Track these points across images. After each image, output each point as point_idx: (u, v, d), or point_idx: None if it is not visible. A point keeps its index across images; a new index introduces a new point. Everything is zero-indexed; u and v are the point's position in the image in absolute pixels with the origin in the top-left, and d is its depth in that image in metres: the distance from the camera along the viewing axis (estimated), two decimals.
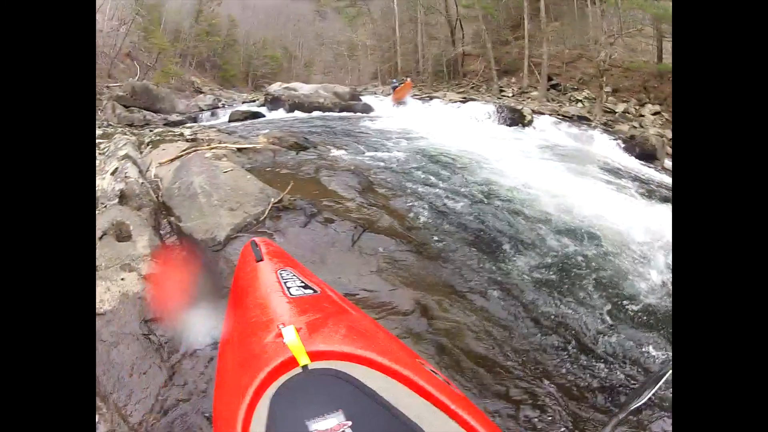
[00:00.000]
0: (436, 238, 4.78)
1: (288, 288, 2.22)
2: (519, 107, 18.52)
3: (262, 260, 2.50)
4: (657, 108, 23.19)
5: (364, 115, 19.23)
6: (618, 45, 27.83)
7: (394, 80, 24.17)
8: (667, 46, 25.69)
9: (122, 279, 3.46)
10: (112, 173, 5.34)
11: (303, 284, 2.30)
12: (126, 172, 5.45)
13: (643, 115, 22.89)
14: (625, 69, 26.82)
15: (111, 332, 3.00)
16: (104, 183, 5.03)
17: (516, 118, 17.13)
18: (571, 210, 6.17)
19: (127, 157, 5.99)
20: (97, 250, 3.75)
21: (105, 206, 4.57)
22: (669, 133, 19.31)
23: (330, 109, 20.35)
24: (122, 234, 4.09)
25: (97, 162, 6.12)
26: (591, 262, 4.81)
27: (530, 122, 17.12)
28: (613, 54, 26.67)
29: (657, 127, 20.53)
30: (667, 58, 25.22)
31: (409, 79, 20.41)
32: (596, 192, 7.87)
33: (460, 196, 6.27)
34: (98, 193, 4.78)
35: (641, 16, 27.89)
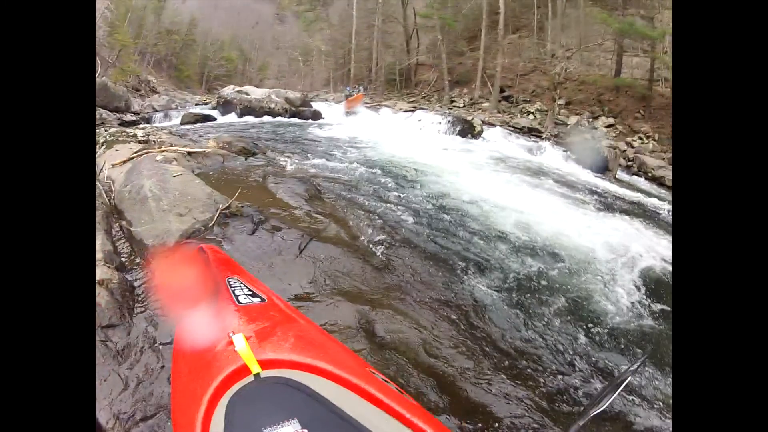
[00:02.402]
0: (383, 249, 4.82)
1: (236, 296, 2.26)
2: (469, 118, 18.60)
3: (209, 267, 2.57)
4: (611, 121, 23.64)
5: (314, 122, 19.33)
6: (575, 59, 28.26)
7: (348, 88, 24.10)
8: (627, 60, 26.24)
9: None
10: None
11: (251, 292, 2.34)
12: None
13: (595, 128, 23.28)
14: (580, 82, 27.18)
15: None
16: None
17: (466, 129, 17.20)
18: (529, 226, 6.29)
19: None
20: None
21: None
22: (622, 146, 19.81)
23: (280, 115, 20.44)
24: None
25: None
26: (554, 282, 4.88)
27: (480, 133, 17.24)
28: (569, 67, 27.09)
29: (610, 140, 20.97)
30: (626, 73, 25.73)
31: (361, 90, 20.33)
32: (553, 206, 7.98)
33: (409, 208, 6.37)
34: None
35: (603, 30, 28.41)
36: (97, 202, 4.97)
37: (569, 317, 4.29)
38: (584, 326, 4.16)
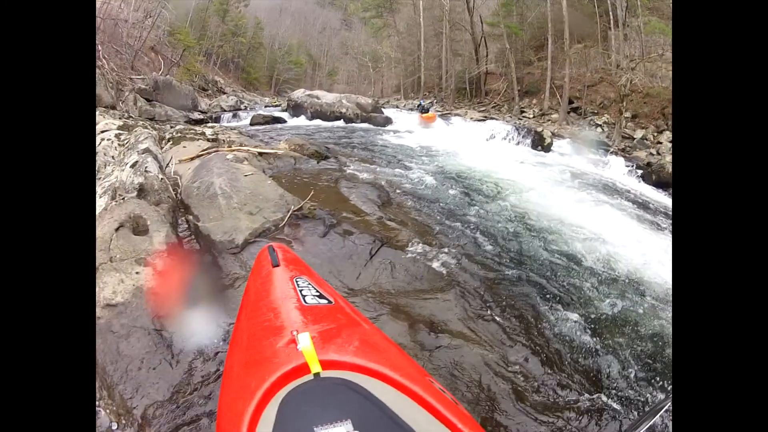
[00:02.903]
0: (454, 263, 4.66)
1: (303, 296, 2.21)
2: (539, 129, 18.40)
3: (278, 266, 2.51)
4: None
5: (386, 128, 19.31)
6: (639, 70, 27.81)
7: (421, 101, 23.98)
8: None
9: (137, 273, 3.45)
10: (132, 166, 5.31)
11: (318, 293, 2.29)
12: (146, 166, 5.43)
13: (660, 142, 22.85)
14: (645, 95, 26.78)
15: (122, 324, 3.00)
16: (123, 175, 5.00)
17: (536, 141, 17.10)
18: (609, 253, 5.96)
19: (147, 151, 5.97)
20: (112, 242, 3.75)
21: (123, 198, 4.55)
22: None
23: (352, 120, 20.42)
24: (139, 228, 4.09)
25: (117, 153, 6.11)
26: (635, 319, 4.56)
27: (550, 145, 17.07)
28: (633, 79, 26.67)
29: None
30: None
31: (434, 107, 20.20)
32: (633, 232, 7.56)
33: (482, 223, 6.18)
34: (117, 185, 4.74)
35: (662, 41, 27.95)
36: (163, 195, 4.98)
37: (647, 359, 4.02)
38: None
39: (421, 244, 4.85)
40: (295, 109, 21.37)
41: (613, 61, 29.18)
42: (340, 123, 19.85)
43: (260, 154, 7.34)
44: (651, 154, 20.34)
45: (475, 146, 14.82)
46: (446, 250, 4.87)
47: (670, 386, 3.49)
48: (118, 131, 6.98)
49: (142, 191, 4.82)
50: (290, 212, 4.78)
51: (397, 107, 32.59)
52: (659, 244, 6.81)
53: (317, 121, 19.95)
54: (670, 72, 26.98)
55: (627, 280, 5.18)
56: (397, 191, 6.77)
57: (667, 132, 23.26)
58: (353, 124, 19.75)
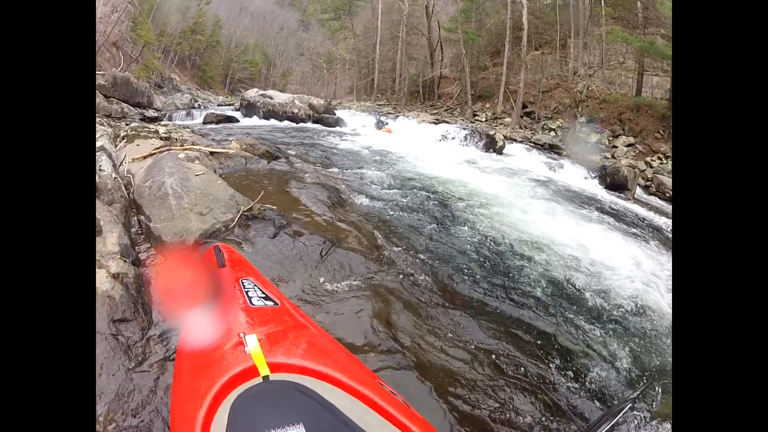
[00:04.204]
0: (406, 265, 4.70)
1: (249, 297, 2.25)
2: (491, 132, 18.56)
3: (224, 266, 2.54)
4: (631, 140, 23.61)
5: (337, 129, 19.36)
6: (597, 77, 28.29)
7: (377, 114, 23.86)
8: (647, 80, 26.26)
9: None
10: None
11: (264, 295, 2.32)
12: (100, 165, 5.40)
13: (615, 147, 23.29)
14: (601, 101, 27.24)
15: None
16: None
17: (488, 143, 17.19)
18: (565, 255, 6.01)
19: (102, 149, 5.90)
20: None
21: None
22: (641, 165, 19.76)
23: (303, 120, 20.39)
24: None
25: None
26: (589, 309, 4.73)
27: (502, 148, 17.21)
28: (591, 85, 27.11)
29: (630, 159, 20.94)
30: (647, 92, 25.75)
31: (389, 127, 20.18)
32: (606, 237, 7.61)
33: (433, 221, 6.28)
34: None
35: (624, 49, 28.48)
36: (116, 195, 4.94)
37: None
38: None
39: (372, 246, 4.91)
40: (248, 108, 21.23)
41: (571, 68, 29.69)
42: (292, 123, 19.80)
43: (212, 153, 7.32)
44: (605, 157, 20.78)
45: (426, 148, 14.91)
46: (397, 251, 4.94)
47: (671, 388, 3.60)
48: None
49: (96, 194, 4.75)
50: (240, 213, 4.79)
51: (349, 108, 32.40)
52: (620, 246, 7.03)
53: (269, 121, 19.86)
54: (630, 79, 27.61)
55: (579, 279, 5.31)
56: (348, 192, 6.80)
57: (623, 137, 23.76)
58: (305, 125, 19.76)
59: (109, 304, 3.15)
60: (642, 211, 11.58)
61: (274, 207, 5.23)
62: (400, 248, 5.04)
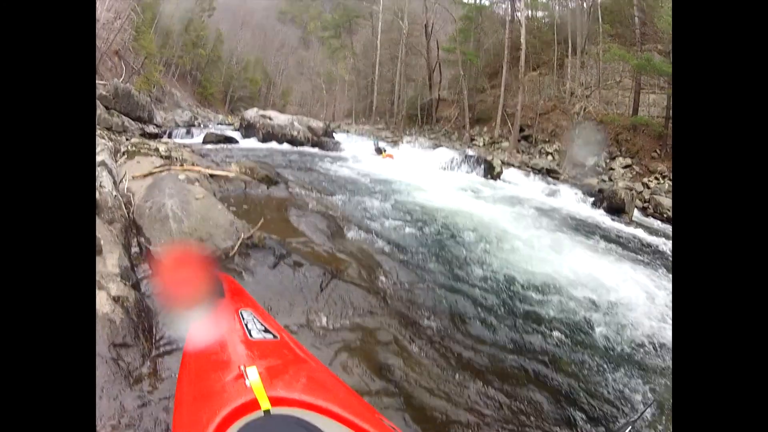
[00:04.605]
0: (405, 297, 4.70)
1: (249, 330, 2.24)
2: (489, 158, 18.67)
3: (223, 297, 2.54)
4: (628, 161, 23.74)
5: (336, 153, 19.40)
6: (594, 97, 28.49)
7: (376, 141, 23.88)
8: (644, 98, 26.51)
9: None
10: None
11: (263, 328, 2.32)
12: (101, 181, 5.33)
13: (612, 169, 23.40)
14: (598, 122, 27.43)
15: None
16: None
17: (486, 169, 17.26)
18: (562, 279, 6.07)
19: (103, 164, 5.83)
20: None
21: None
22: (638, 186, 19.87)
23: (302, 143, 20.42)
24: None
25: None
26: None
27: (500, 174, 17.30)
28: (588, 106, 27.28)
29: (627, 180, 21.05)
30: (643, 110, 25.98)
31: (390, 153, 20.20)
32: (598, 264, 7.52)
33: (439, 257, 6.23)
34: None
35: (621, 67, 28.72)
36: (116, 213, 4.90)
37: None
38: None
39: (372, 279, 4.88)
40: (248, 129, 21.21)
41: (568, 88, 29.87)
42: (291, 147, 19.85)
43: (212, 175, 7.29)
44: (603, 180, 20.90)
45: (426, 175, 14.90)
46: (398, 286, 4.92)
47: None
48: None
49: (96, 207, 4.72)
50: (240, 240, 4.77)
51: (348, 132, 32.65)
52: (631, 278, 6.91)
53: (269, 144, 19.84)
54: (626, 98, 27.82)
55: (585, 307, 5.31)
56: (348, 222, 6.77)
57: (620, 158, 23.89)
58: (304, 148, 19.79)
59: (109, 327, 3.11)
60: (644, 236, 11.62)
61: (274, 236, 5.21)
62: (401, 283, 5.01)
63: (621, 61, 27.78)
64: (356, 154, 19.29)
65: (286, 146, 19.78)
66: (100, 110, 16.26)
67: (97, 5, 28.84)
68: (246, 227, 5.15)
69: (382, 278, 5.02)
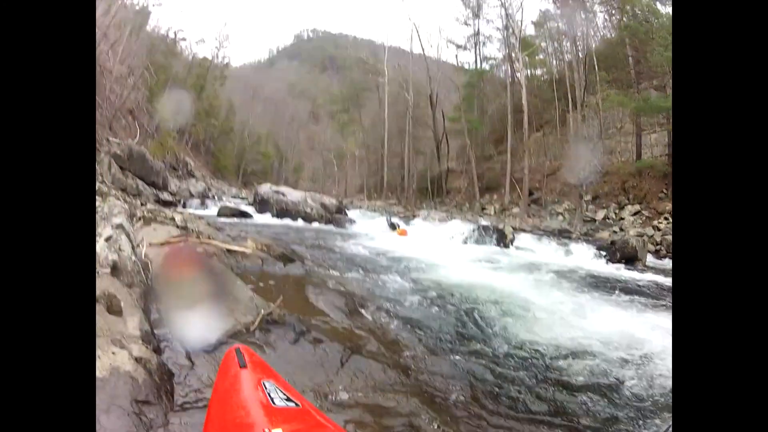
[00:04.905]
0: (427, 371, 4.66)
1: (271, 398, 2.26)
2: (501, 226, 18.93)
3: (245, 367, 2.56)
4: (637, 207, 23.83)
5: (350, 231, 19.60)
6: (597, 149, 28.80)
7: (388, 217, 24.07)
8: (646, 139, 26.84)
9: (113, 353, 3.34)
10: (107, 239, 5.16)
11: (285, 396, 2.33)
12: (120, 244, 5.30)
13: (622, 218, 23.51)
14: (604, 173, 27.65)
15: (100, 398, 2.86)
16: (98, 246, 4.88)
17: (499, 238, 17.40)
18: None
19: (121, 227, 5.86)
20: None
21: (98, 273, 4.45)
22: (649, 231, 20.00)
23: (316, 220, 20.70)
24: (113, 307, 3.99)
25: None
26: None
27: (512, 241, 17.40)
28: (592, 160, 27.59)
29: (637, 227, 21.10)
30: (646, 152, 26.26)
31: (404, 227, 20.41)
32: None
33: (460, 332, 6.18)
34: None
35: (620, 114, 29.11)
36: (135, 278, 4.94)
37: None
38: None
39: (391, 354, 4.90)
40: (262, 204, 21.56)
41: (572, 144, 30.21)
42: (306, 223, 20.13)
43: (228, 251, 7.39)
44: (614, 232, 20.98)
45: (438, 250, 15.00)
46: (418, 360, 4.90)
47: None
48: None
49: (115, 269, 4.76)
50: (260, 316, 4.79)
51: (361, 207, 33.08)
52: (658, 328, 6.69)
53: (283, 220, 20.15)
54: (629, 143, 28.16)
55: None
56: (365, 299, 6.80)
57: (629, 206, 23.99)
58: (318, 225, 20.07)
59: (131, 384, 3.12)
60: (661, 279, 11.82)
61: (293, 312, 5.25)
62: (422, 359, 4.98)
63: (620, 107, 28.25)
64: (370, 230, 19.54)
65: (300, 223, 20.09)
66: (114, 169, 16.41)
67: (109, 57, 29.34)
68: (265, 304, 5.17)
69: (403, 354, 5.02)
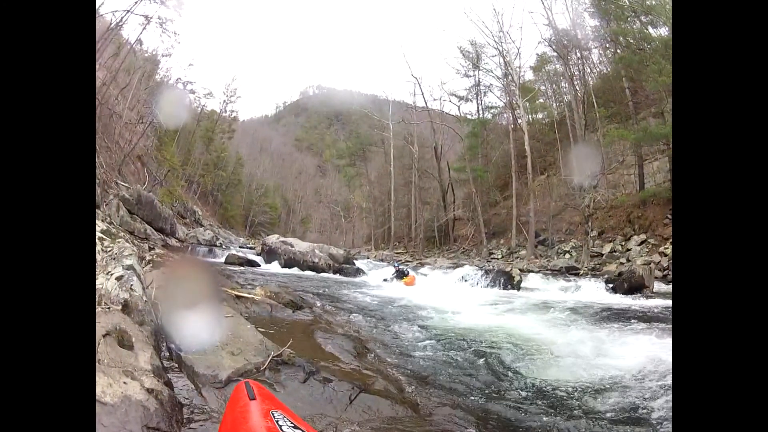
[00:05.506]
0: (435, 413, 4.64)
1: (280, 426, 2.25)
2: (508, 269, 19.07)
3: (254, 399, 2.56)
4: (643, 237, 23.78)
5: (358, 280, 19.74)
6: (601, 185, 28.83)
7: (397, 264, 24.09)
8: (648, 168, 26.83)
9: (124, 383, 3.37)
10: (118, 279, 5.25)
11: (293, 425, 2.33)
12: (131, 284, 5.36)
13: (629, 249, 23.46)
14: (609, 208, 27.71)
15: (111, 422, 2.95)
16: (109, 284, 4.94)
17: (506, 280, 17.42)
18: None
19: (131, 268, 5.88)
20: (99, 345, 3.66)
21: (109, 308, 4.49)
22: (656, 258, 19.98)
23: (324, 270, 20.81)
24: (124, 342, 4.03)
25: (100, 258, 5.93)
26: None
27: (519, 283, 17.41)
28: (596, 197, 27.60)
29: (644, 256, 21.09)
30: (649, 181, 26.25)
31: (412, 274, 20.45)
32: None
33: (470, 373, 6.16)
34: (102, 292, 4.62)
35: (621, 147, 29.17)
36: (146, 317, 4.97)
37: None
38: None
39: (398, 391, 4.94)
40: (269, 254, 21.80)
41: (575, 184, 30.32)
42: (314, 273, 20.21)
43: (238, 297, 7.49)
44: (621, 263, 20.94)
45: (448, 296, 14.99)
46: (424, 401, 4.91)
47: None
48: (101, 235, 7.02)
49: (126, 307, 4.78)
50: (270, 357, 4.85)
51: (368, 258, 33.08)
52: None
53: (291, 270, 20.30)
54: (631, 175, 28.24)
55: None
56: (374, 344, 6.89)
57: (635, 236, 23.97)
58: (325, 274, 20.14)
59: (143, 411, 3.16)
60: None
61: (302, 354, 5.28)
62: (426, 398, 5.00)
63: (621, 140, 28.39)
64: (378, 280, 19.59)
65: (308, 273, 20.16)
66: (122, 211, 16.51)
67: (119, 101, 29.50)
68: (275, 346, 5.23)
69: (409, 390, 5.09)
